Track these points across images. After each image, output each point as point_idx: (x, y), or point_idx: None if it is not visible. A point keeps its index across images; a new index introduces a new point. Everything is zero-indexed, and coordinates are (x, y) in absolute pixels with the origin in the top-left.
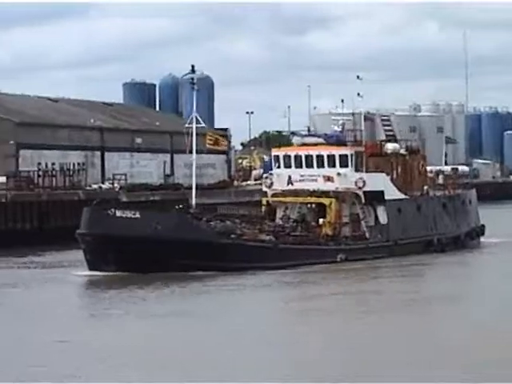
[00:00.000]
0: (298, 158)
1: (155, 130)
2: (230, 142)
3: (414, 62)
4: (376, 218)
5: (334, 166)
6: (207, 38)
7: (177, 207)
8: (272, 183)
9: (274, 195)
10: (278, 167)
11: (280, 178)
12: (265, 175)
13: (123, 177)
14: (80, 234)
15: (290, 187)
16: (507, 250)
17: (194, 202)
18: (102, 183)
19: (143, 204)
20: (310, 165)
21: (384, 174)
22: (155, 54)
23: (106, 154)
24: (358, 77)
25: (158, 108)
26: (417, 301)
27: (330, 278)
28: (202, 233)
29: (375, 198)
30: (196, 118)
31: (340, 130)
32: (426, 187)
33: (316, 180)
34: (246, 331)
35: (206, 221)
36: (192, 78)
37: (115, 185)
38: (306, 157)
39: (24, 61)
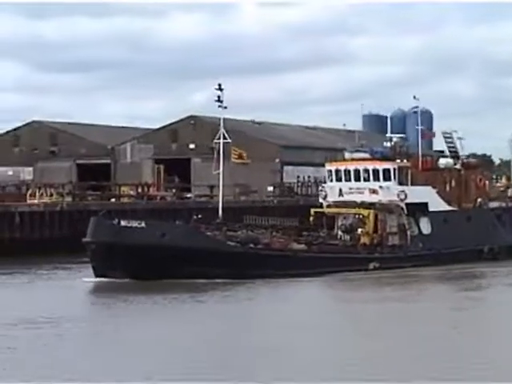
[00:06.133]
0: (347, 172)
1: None
2: None
3: None
4: (419, 228)
5: (378, 179)
6: (431, 79)
7: (195, 217)
8: (326, 195)
9: (328, 206)
10: (331, 181)
11: (332, 191)
12: (320, 188)
13: None
14: (85, 242)
15: (341, 199)
16: None
17: (220, 211)
18: None
19: None
20: (357, 178)
21: (430, 187)
22: (388, 92)
23: None
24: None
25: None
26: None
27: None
28: (210, 241)
29: (418, 209)
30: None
31: (390, 146)
32: (479, 200)
33: (363, 192)
34: None
35: (229, 230)
36: (218, 96)
37: None
38: (354, 171)
39: (290, 97)
